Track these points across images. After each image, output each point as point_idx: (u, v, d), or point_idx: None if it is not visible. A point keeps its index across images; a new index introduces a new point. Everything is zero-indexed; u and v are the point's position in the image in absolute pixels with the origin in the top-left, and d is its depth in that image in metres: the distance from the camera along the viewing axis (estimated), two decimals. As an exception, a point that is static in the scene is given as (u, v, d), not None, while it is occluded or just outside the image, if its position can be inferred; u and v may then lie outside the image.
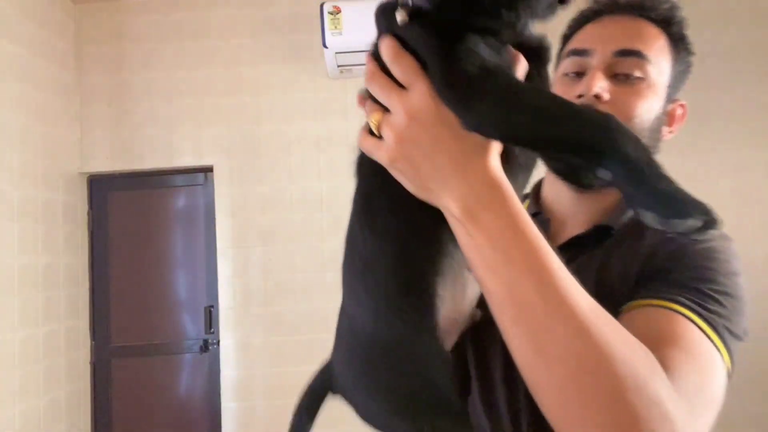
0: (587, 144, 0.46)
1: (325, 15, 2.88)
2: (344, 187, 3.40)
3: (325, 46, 2.91)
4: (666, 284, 0.66)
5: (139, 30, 3.26)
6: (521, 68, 0.53)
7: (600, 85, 0.71)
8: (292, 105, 3.22)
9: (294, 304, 3.13)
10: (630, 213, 0.76)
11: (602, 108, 0.66)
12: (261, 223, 3.17)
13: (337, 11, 2.87)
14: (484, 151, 0.51)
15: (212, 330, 3.20)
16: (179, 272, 3.27)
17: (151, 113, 3.22)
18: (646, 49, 0.73)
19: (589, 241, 0.76)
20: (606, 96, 0.71)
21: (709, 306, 0.66)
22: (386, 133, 0.55)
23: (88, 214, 3.25)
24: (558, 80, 0.79)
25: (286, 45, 3.25)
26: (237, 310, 3.14)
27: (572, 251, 0.73)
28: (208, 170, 3.27)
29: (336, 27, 2.87)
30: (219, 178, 3.20)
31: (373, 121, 0.56)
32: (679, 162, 3.17)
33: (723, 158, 3.14)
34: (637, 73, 0.73)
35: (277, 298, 3.13)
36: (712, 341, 0.62)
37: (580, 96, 0.72)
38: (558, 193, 0.82)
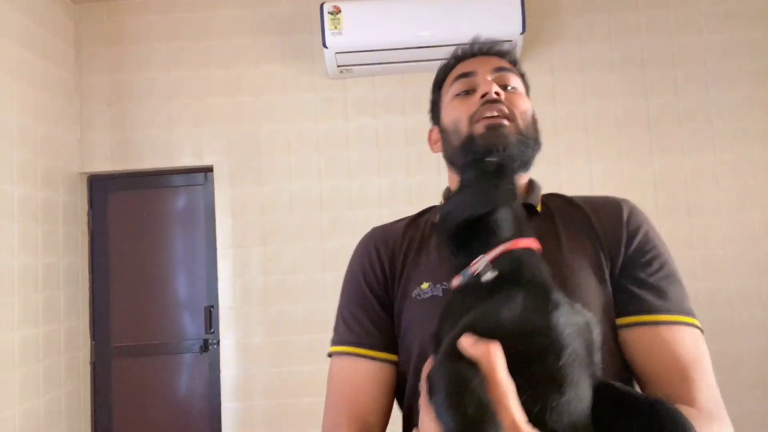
0: None
1: (325, 15, 2.88)
2: (344, 187, 3.44)
3: (325, 46, 2.91)
4: (664, 288, 0.82)
5: (139, 30, 3.26)
6: None
7: (496, 87, 0.88)
8: (292, 105, 3.22)
9: (294, 304, 3.12)
10: (539, 197, 0.94)
11: (499, 106, 0.87)
12: (261, 223, 3.17)
13: (337, 11, 2.87)
14: None
15: (212, 330, 3.20)
16: (179, 272, 3.27)
17: (151, 113, 3.22)
18: (510, 68, 0.95)
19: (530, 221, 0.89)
20: (502, 94, 0.89)
21: (687, 301, 0.84)
22: None
23: (88, 214, 3.25)
24: (452, 100, 0.93)
25: (286, 45, 3.25)
26: (237, 310, 3.14)
27: None
28: (208, 170, 3.27)
29: (336, 27, 2.87)
30: (219, 178, 3.20)
31: None
32: (680, 162, 3.19)
33: (723, 158, 3.14)
34: (512, 84, 0.93)
35: (277, 298, 3.13)
36: (691, 324, 0.81)
37: (484, 95, 0.88)
38: None
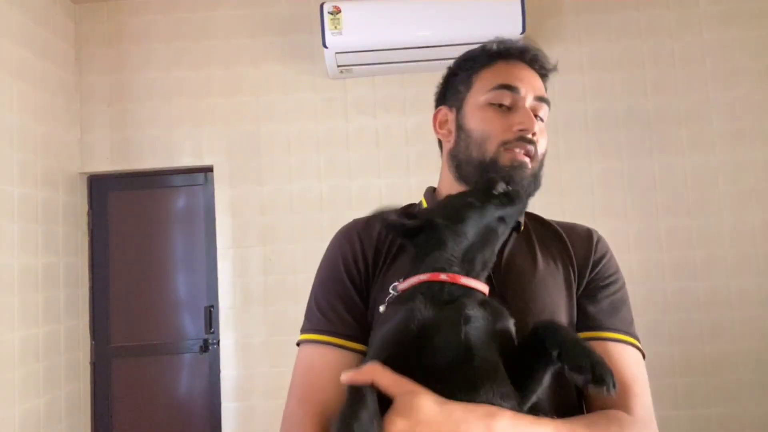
0: None
1: (325, 15, 2.88)
2: (344, 187, 3.44)
3: (325, 46, 2.91)
4: (616, 311, 0.90)
5: (139, 30, 3.26)
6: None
7: (537, 125, 0.90)
8: (292, 105, 3.22)
9: (294, 304, 3.12)
10: (523, 219, 0.97)
11: (530, 147, 0.89)
12: (261, 223, 3.17)
13: (337, 11, 2.87)
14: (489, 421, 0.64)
15: (212, 330, 3.20)
16: (179, 272, 3.27)
17: (151, 113, 3.22)
18: (547, 96, 0.95)
19: (509, 237, 0.92)
20: (538, 134, 0.90)
21: (634, 326, 0.91)
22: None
23: (88, 214, 3.25)
24: (486, 107, 0.91)
25: (286, 45, 3.25)
26: (237, 310, 3.14)
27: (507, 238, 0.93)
28: (208, 170, 3.27)
29: (336, 27, 2.87)
30: (219, 178, 3.20)
31: None
32: (680, 162, 3.19)
33: (723, 158, 3.14)
34: (542, 115, 0.93)
35: (277, 298, 3.13)
36: (633, 345, 0.88)
37: (522, 129, 0.88)
38: None
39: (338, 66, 3.05)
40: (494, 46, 0.95)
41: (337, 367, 0.80)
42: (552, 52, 3.44)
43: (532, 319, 0.80)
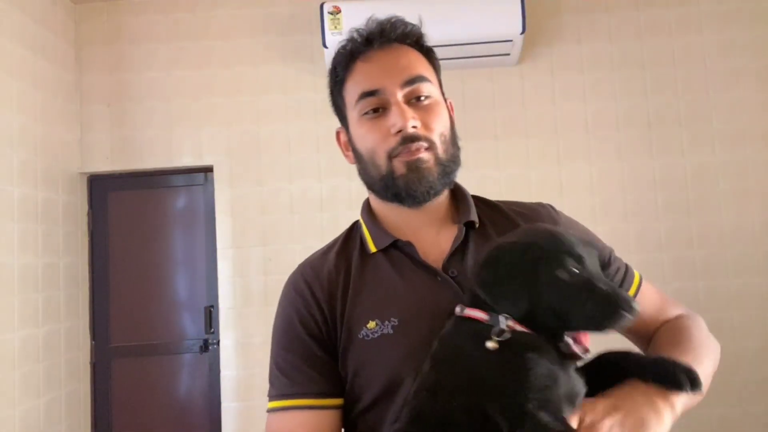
0: None
1: (325, 15, 2.88)
2: (344, 187, 3.43)
3: (325, 46, 2.91)
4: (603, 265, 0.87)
5: (139, 30, 3.26)
6: None
7: (411, 116, 0.82)
8: (292, 105, 3.22)
9: (294, 304, 3.12)
10: (474, 208, 0.92)
11: (417, 143, 0.82)
12: (261, 223, 3.17)
13: (337, 11, 2.87)
14: (667, 407, 0.71)
15: (212, 330, 3.20)
16: (179, 272, 3.27)
17: (151, 113, 3.22)
18: (422, 71, 0.87)
19: (468, 238, 0.88)
20: (419, 124, 0.83)
21: (615, 256, 0.97)
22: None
23: (88, 214, 3.25)
24: (360, 121, 0.87)
25: (286, 45, 3.25)
26: (237, 310, 3.14)
27: (460, 250, 0.87)
28: (208, 170, 3.27)
29: (336, 27, 2.87)
30: (219, 178, 3.20)
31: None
32: (680, 162, 3.19)
33: (723, 158, 3.14)
34: (425, 93, 0.86)
35: (277, 298, 3.11)
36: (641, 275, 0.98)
37: (399, 131, 0.82)
38: (399, 214, 0.89)
39: (338, 66, 3.05)
40: (347, 46, 0.90)
41: (313, 428, 0.78)
42: (552, 52, 3.43)
43: None
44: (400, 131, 0.82)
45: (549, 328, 0.68)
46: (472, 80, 3.18)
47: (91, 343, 3.19)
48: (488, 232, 0.89)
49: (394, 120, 0.83)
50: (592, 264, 0.70)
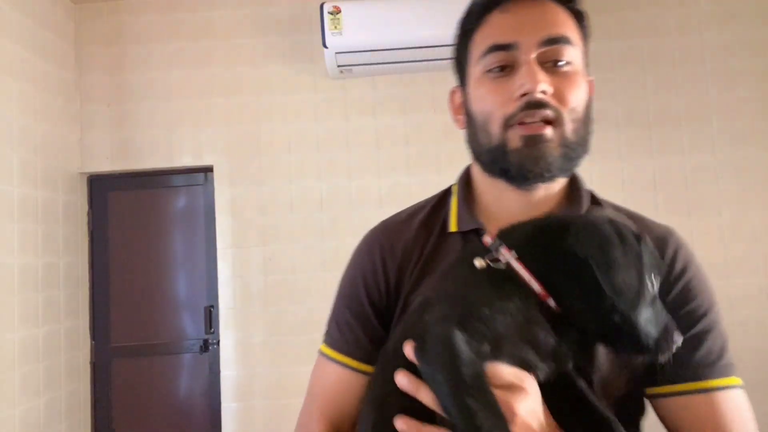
0: None
1: (325, 15, 2.88)
2: (344, 187, 3.43)
3: (325, 46, 2.91)
4: (689, 354, 0.70)
5: (139, 30, 3.26)
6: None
7: (543, 80, 0.69)
8: (292, 105, 3.22)
9: (294, 304, 3.12)
10: (585, 206, 0.78)
11: (543, 111, 0.69)
12: (261, 223, 3.17)
13: (337, 11, 2.87)
14: None
15: (212, 330, 3.20)
16: (179, 272, 3.27)
17: (151, 113, 3.22)
18: (568, 32, 0.73)
19: None
20: (550, 90, 0.70)
21: (725, 360, 0.73)
22: None
23: (88, 214, 3.25)
24: (482, 79, 0.75)
25: (286, 45, 3.25)
26: (237, 310, 3.14)
27: None
28: (208, 170, 3.27)
29: (336, 27, 2.87)
30: (219, 178, 3.20)
31: None
32: (680, 162, 3.19)
33: (723, 158, 3.14)
34: (566, 59, 0.72)
35: (277, 298, 3.13)
36: (737, 386, 0.73)
37: (524, 94, 0.70)
38: (503, 196, 0.78)
39: (338, 66, 3.05)
40: None
41: (350, 389, 0.79)
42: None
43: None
44: (525, 95, 0.70)
45: (579, 321, 0.61)
46: (472, 80, 3.17)
47: (91, 343, 3.19)
48: None
49: (521, 81, 0.70)
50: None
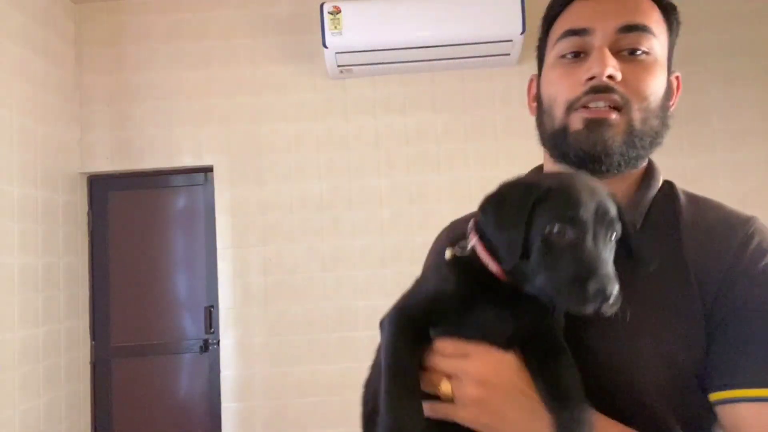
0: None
1: (325, 15, 2.88)
2: (344, 187, 3.43)
3: (325, 46, 2.91)
4: (762, 355, 0.61)
5: (139, 30, 3.26)
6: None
7: (612, 65, 0.67)
8: (292, 105, 3.22)
9: (294, 304, 3.12)
10: (648, 203, 0.74)
11: (610, 95, 0.67)
12: (261, 223, 3.17)
13: (337, 11, 2.87)
14: (538, 405, 0.61)
15: (212, 330, 3.20)
16: (179, 272, 3.27)
17: (151, 113, 3.22)
18: (648, 22, 0.71)
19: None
20: (619, 76, 0.68)
21: None
22: (460, 397, 0.62)
23: (88, 214, 3.25)
24: (555, 64, 0.73)
25: (286, 45, 3.25)
26: (237, 310, 3.14)
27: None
28: (208, 170, 3.27)
29: (336, 27, 2.87)
30: (219, 178, 3.20)
31: (443, 389, 0.63)
32: (679, 162, 3.19)
33: (723, 158, 3.14)
34: (643, 48, 0.70)
35: (277, 298, 3.13)
36: None
37: (591, 78, 0.68)
38: None
39: (338, 66, 3.05)
40: None
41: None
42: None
43: (613, 366, 0.63)
44: (592, 79, 0.68)
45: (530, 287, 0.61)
46: (472, 80, 3.18)
47: (91, 343, 3.19)
48: (641, 237, 0.69)
49: (590, 64, 0.68)
50: (600, 249, 0.58)
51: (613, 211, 0.61)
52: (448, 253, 0.65)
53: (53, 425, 2.82)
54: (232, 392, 3.10)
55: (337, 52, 2.94)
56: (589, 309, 0.55)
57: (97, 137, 3.22)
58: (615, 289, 0.55)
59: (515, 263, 0.59)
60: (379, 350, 0.70)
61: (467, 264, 0.64)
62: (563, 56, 0.72)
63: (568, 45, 0.71)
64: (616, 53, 0.69)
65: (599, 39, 0.69)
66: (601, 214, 0.60)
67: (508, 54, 3.05)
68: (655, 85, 0.71)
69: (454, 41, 2.86)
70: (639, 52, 0.69)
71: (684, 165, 3.14)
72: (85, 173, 3.25)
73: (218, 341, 3.17)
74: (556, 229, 0.58)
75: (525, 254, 0.60)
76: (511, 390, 0.61)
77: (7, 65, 2.64)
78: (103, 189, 3.29)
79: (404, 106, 3.21)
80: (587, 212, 0.59)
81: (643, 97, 0.69)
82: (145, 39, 3.26)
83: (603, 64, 0.67)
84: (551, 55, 0.74)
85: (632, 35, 0.69)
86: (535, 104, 0.81)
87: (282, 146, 3.21)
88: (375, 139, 3.21)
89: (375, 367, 0.72)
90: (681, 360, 0.63)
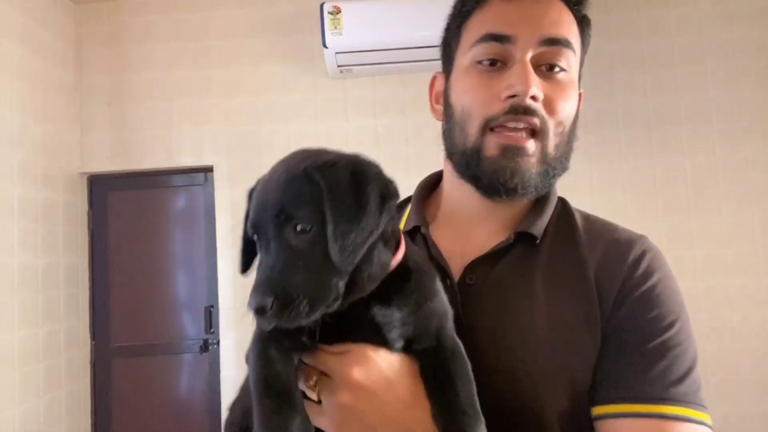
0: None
1: (325, 15, 2.88)
2: (344, 187, 3.38)
3: (325, 46, 2.91)
4: (641, 371, 0.61)
5: (139, 30, 3.26)
6: None
7: (536, 84, 0.63)
8: (292, 105, 3.22)
9: (294, 304, 3.12)
10: (546, 219, 0.71)
11: (529, 118, 0.63)
12: (261, 223, 3.17)
13: (337, 11, 2.87)
14: (426, 417, 0.54)
15: (212, 330, 3.20)
16: (179, 272, 3.27)
17: (151, 113, 3.22)
18: (569, 36, 0.66)
19: (512, 249, 0.69)
20: (541, 96, 0.64)
21: (685, 387, 0.62)
22: (326, 401, 0.55)
23: (88, 214, 3.25)
24: (469, 70, 0.68)
25: (286, 45, 3.25)
26: (237, 310, 3.14)
27: (493, 258, 0.68)
28: (208, 170, 3.27)
29: (336, 27, 2.87)
30: (219, 178, 3.20)
31: (309, 385, 0.56)
32: (679, 162, 3.19)
33: (723, 158, 3.14)
34: (562, 64, 0.66)
35: (277, 298, 3.13)
36: (699, 421, 0.62)
37: (512, 96, 0.63)
38: (466, 199, 0.73)
39: (338, 66, 3.05)
40: None
41: None
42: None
43: (515, 384, 0.61)
44: (513, 96, 0.63)
45: None
46: (472, 80, 3.18)
47: (91, 343, 3.19)
48: (539, 251, 0.68)
49: (512, 79, 0.63)
50: (265, 253, 0.53)
51: (291, 200, 0.54)
52: None
53: (53, 425, 2.82)
54: (232, 392, 3.09)
55: (337, 52, 2.94)
56: (265, 325, 0.52)
57: (97, 137, 3.22)
58: (261, 300, 0.49)
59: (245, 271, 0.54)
60: (247, 378, 0.62)
61: None
62: (479, 62, 0.67)
63: (486, 51, 0.66)
64: (536, 68, 0.65)
65: (521, 49, 0.65)
66: (271, 209, 0.55)
67: (508, 54, 3.05)
68: (571, 108, 0.67)
69: (454, 41, 2.86)
70: (557, 69, 0.66)
71: (684, 165, 3.14)
72: (85, 173, 3.25)
73: (218, 341, 3.17)
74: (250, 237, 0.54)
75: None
76: (391, 401, 0.54)
77: (7, 65, 2.64)
78: (103, 189, 3.29)
79: (404, 106, 3.21)
80: (258, 213, 0.55)
81: (558, 122, 0.66)
82: (145, 39, 3.26)
83: (527, 83, 0.63)
84: (465, 57, 0.68)
85: (553, 49, 0.65)
86: (439, 107, 0.75)
87: (282, 146, 3.18)
88: (375, 139, 3.21)
89: (243, 389, 0.65)
90: (579, 377, 0.62)
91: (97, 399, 3.17)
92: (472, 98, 0.67)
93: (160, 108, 3.22)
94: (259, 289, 0.51)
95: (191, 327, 3.23)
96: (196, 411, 3.19)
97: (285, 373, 0.53)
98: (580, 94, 0.71)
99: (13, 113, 2.67)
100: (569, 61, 0.66)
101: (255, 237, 0.55)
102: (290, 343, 0.56)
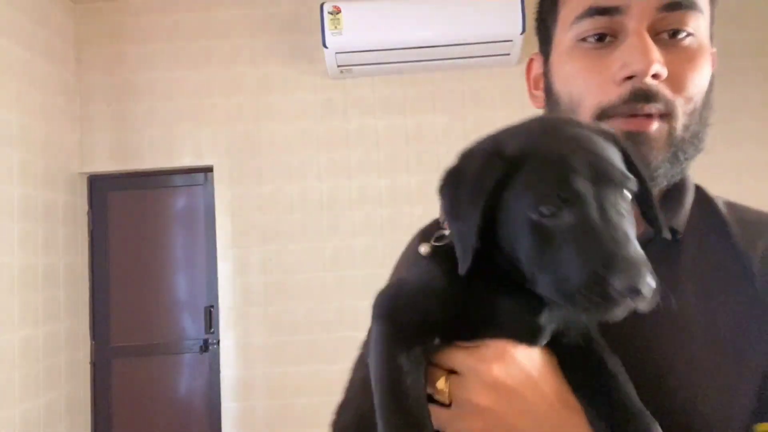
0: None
1: (325, 15, 2.88)
2: (344, 187, 3.43)
3: (325, 46, 2.91)
4: None
5: (139, 30, 3.26)
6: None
7: (658, 59, 0.52)
8: (292, 105, 3.22)
9: (294, 304, 3.12)
10: (687, 210, 0.61)
11: (654, 105, 0.53)
12: (261, 223, 3.17)
13: (337, 11, 2.87)
14: (579, 419, 0.47)
15: (212, 330, 3.20)
16: (179, 272, 3.27)
17: (151, 113, 3.22)
18: (686, 1, 0.54)
19: (648, 246, 0.52)
20: (665, 73, 0.52)
21: None
22: (461, 403, 0.48)
23: (88, 214, 3.25)
24: (573, 50, 0.57)
25: (286, 45, 3.25)
26: (237, 310, 3.14)
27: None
28: (208, 170, 3.27)
29: (336, 27, 2.87)
30: (219, 178, 3.20)
31: (439, 387, 0.49)
32: (679, 162, 3.18)
33: (723, 158, 3.14)
34: (690, 29, 0.54)
35: (277, 298, 3.13)
36: None
37: (629, 77, 0.53)
38: None
39: (338, 66, 3.05)
40: None
41: None
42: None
43: (665, 392, 0.50)
44: (630, 77, 0.53)
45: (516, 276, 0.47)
46: (472, 80, 3.18)
47: (91, 343, 3.19)
48: (682, 248, 0.57)
49: (627, 57, 0.52)
50: (612, 224, 0.42)
51: (616, 160, 0.45)
52: (423, 249, 0.52)
53: (53, 425, 2.82)
54: (232, 392, 3.10)
55: (337, 52, 2.94)
56: (619, 314, 0.41)
57: (97, 137, 3.22)
58: (648, 277, 0.39)
59: (468, 266, 0.45)
60: (356, 368, 0.58)
61: (451, 253, 0.48)
62: (584, 40, 0.56)
63: (589, 26, 0.55)
64: (654, 36, 0.53)
65: (635, 19, 0.53)
66: (601, 172, 0.44)
67: (508, 54, 3.05)
68: (702, 79, 0.56)
69: (454, 41, 2.86)
70: (683, 34, 0.54)
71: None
72: (85, 173, 3.25)
73: (218, 341, 3.17)
74: (542, 213, 0.43)
75: (507, 249, 0.46)
76: (537, 401, 0.47)
77: (7, 65, 2.64)
78: (103, 189, 3.29)
79: (404, 106, 3.21)
80: (581, 177, 0.43)
81: (688, 98, 0.56)
82: (145, 39, 3.26)
83: (647, 59, 0.51)
84: (567, 36, 0.57)
85: (676, 13, 0.53)
86: (539, 93, 0.65)
87: (282, 146, 3.21)
88: (375, 139, 3.21)
89: (352, 389, 0.60)
90: (746, 403, 0.50)
91: (97, 399, 3.17)
92: (581, 84, 0.56)
93: (160, 108, 3.23)
94: (637, 262, 0.40)
95: (191, 327, 3.23)
96: (196, 411, 3.19)
97: (415, 389, 0.47)
98: (712, 55, 0.59)
99: (13, 113, 2.67)
100: (697, 24, 0.54)
101: (563, 213, 0.43)
102: (421, 348, 0.49)
